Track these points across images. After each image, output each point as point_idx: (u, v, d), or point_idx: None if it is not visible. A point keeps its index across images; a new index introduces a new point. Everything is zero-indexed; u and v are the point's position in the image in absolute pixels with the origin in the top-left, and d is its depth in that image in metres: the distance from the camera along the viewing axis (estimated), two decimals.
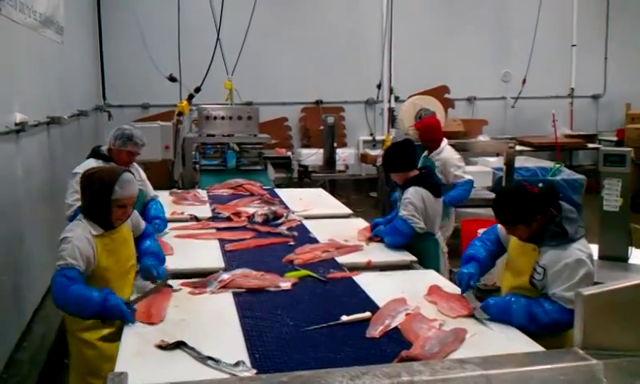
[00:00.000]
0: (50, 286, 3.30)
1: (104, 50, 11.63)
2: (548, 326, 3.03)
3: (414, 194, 4.53)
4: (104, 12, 11.61)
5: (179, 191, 6.72)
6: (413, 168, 4.69)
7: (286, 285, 3.64)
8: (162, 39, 10.73)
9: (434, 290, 3.53)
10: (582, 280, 3.01)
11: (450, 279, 4.11)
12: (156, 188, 5.37)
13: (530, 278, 3.19)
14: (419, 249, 4.50)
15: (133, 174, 3.66)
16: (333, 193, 8.47)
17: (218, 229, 5.02)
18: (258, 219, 5.17)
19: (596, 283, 2.90)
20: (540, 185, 3.20)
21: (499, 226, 3.54)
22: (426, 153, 6.47)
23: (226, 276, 3.69)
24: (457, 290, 3.50)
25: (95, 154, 4.84)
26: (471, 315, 3.17)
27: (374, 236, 4.71)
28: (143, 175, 5.13)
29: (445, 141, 6.51)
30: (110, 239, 3.46)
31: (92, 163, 4.63)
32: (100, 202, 3.39)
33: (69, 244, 3.25)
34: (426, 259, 4.43)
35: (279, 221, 5.21)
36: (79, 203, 4.53)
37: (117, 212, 3.43)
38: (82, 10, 9.69)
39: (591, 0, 13.83)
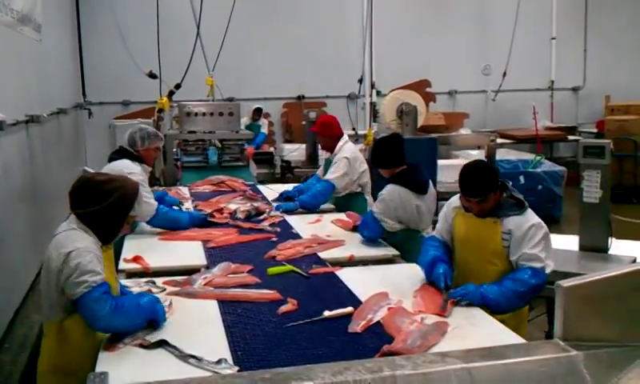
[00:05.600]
0: (85, 309, 2.76)
1: (83, 47, 11.53)
2: (529, 294, 3.37)
3: (388, 192, 4.46)
4: (82, 9, 11.50)
5: (161, 189, 6.68)
6: (400, 164, 4.57)
7: (270, 293, 3.45)
8: (141, 35, 10.64)
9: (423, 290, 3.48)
10: (544, 238, 3.39)
11: None
12: None
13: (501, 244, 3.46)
14: (402, 245, 4.46)
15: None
16: None
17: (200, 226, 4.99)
18: (240, 216, 5.15)
19: (576, 274, 2.92)
20: None
21: (436, 228, 3.87)
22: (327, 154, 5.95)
23: (209, 275, 3.68)
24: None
25: (128, 154, 4.79)
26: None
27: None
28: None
29: (344, 138, 5.74)
30: (106, 255, 3.08)
31: (131, 165, 4.66)
32: (117, 214, 3.02)
33: (89, 254, 2.83)
34: (408, 255, 4.34)
35: (261, 217, 5.20)
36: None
37: (124, 228, 3.16)
38: (60, 7, 9.58)
39: None
